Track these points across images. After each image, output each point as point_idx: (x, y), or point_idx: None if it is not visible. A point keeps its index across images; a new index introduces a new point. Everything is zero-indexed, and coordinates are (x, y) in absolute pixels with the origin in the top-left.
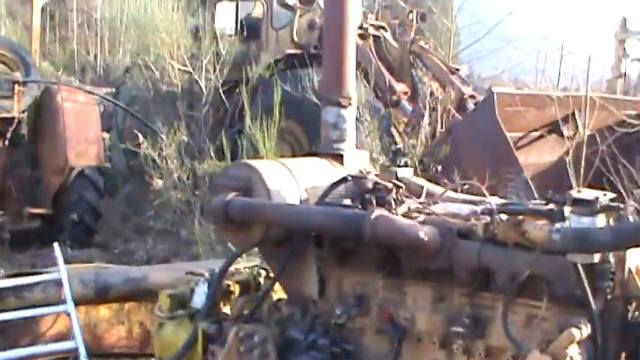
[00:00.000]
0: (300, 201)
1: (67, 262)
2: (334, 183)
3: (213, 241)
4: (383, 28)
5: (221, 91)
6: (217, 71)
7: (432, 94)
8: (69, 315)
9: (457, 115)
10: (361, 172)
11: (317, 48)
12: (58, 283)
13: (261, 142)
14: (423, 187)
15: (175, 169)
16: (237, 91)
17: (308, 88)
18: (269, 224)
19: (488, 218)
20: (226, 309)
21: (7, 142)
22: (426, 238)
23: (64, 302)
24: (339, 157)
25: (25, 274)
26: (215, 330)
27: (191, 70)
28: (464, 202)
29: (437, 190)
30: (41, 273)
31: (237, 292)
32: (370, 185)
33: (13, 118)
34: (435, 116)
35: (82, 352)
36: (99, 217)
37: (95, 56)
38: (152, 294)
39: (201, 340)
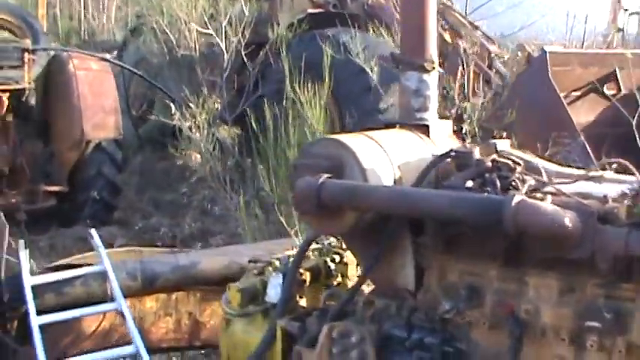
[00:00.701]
0: (394, 181)
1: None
2: (435, 160)
3: (258, 219)
4: None
5: (243, 54)
6: (240, 33)
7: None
8: (120, 314)
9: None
10: (465, 146)
11: (336, 6)
12: (101, 274)
13: (310, 110)
14: (532, 163)
15: (204, 140)
16: (257, 54)
17: (339, 50)
18: (370, 210)
19: (628, 200)
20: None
21: (16, 116)
22: (570, 225)
23: (109, 297)
24: (423, 128)
25: (64, 267)
26: (298, 328)
27: (212, 32)
28: (587, 179)
29: (545, 164)
30: (81, 265)
31: (307, 280)
32: (489, 163)
33: (24, 90)
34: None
35: (145, 357)
36: (118, 193)
37: (79, 20)
38: (202, 282)
39: (281, 339)
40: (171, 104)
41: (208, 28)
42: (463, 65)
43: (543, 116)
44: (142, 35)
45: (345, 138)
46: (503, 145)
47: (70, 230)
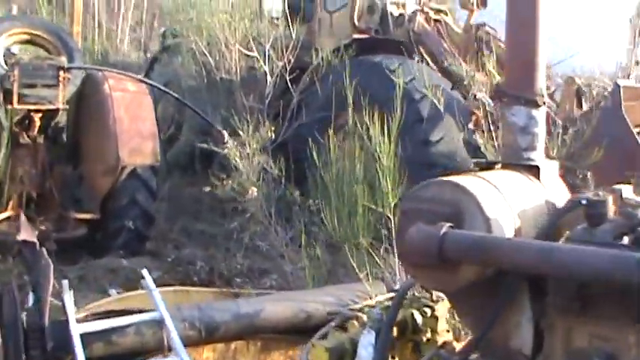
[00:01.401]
0: (515, 231)
1: (120, 277)
2: (564, 209)
3: (312, 258)
4: (443, 12)
5: (288, 79)
6: (286, 57)
7: None
8: None
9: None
10: (597, 194)
11: (378, 32)
12: (156, 322)
13: (380, 143)
14: None
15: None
16: (297, 80)
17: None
18: (505, 266)
19: None
20: None
21: (46, 138)
22: None
23: (165, 348)
24: (533, 170)
25: (116, 312)
26: None
27: (257, 54)
28: None
29: None
30: (134, 312)
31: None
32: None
33: (57, 111)
34: None
35: None
36: (152, 223)
37: (93, 40)
38: (265, 331)
39: None
40: (222, 134)
41: (252, 51)
42: None
43: (617, 152)
44: (172, 55)
45: (461, 181)
46: (628, 191)
47: (101, 261)
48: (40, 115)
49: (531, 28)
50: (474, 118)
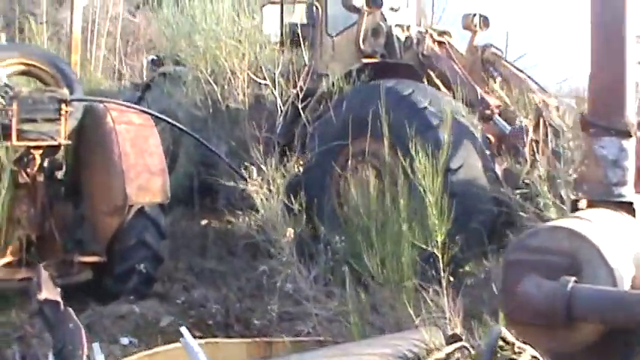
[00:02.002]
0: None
1: (132, 324)
2: None
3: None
4: (447, 33)
5: (300, 107)
6: (299, 83)
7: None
8: None
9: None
10: None
11: (384, 56)
12: None
13: (425, 179)
14: None
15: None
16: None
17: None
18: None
19: None
20: None
21: (46, 175)
22: None
23: None
24: (626, 207)
25: None
26: None
27: (268, 82)
28: None
29: None
30: None
31: None
32: None
33: (59, 147)
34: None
35: None
36: (161, 264)
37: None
38: None
39: None
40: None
41: (264, 79)
42: (538, 120)
43: None
44: (165, 84)
45: (574, 226)
46: None
47: (109, 307)
48: (40, 151)
49: (618, 52)
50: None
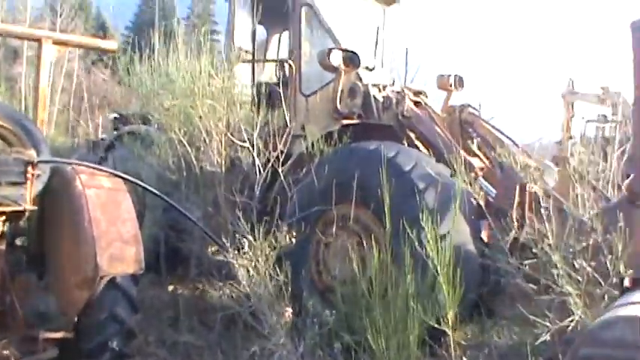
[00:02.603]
0: None
1: None
2: None
3: None
4: (422, 93)
5: (280, 170)
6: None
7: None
8: None
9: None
10: None
11: (361, 117)
12: None
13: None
14: None
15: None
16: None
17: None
18: None
19: None
20: None
21: (7, 242)
22: None
23: None
24: None
25: None
26: None
27: (249, 145)
28: None
29: None
30: None
31: None
32: None
33: (24, 212)
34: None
35: None
36: (133, 339)
37: None
38: None
39: None
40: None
41: (242, 140)
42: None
43: None
44: (130, 143)
45: None
46: None
47: None
48: (3, 217)
49: None
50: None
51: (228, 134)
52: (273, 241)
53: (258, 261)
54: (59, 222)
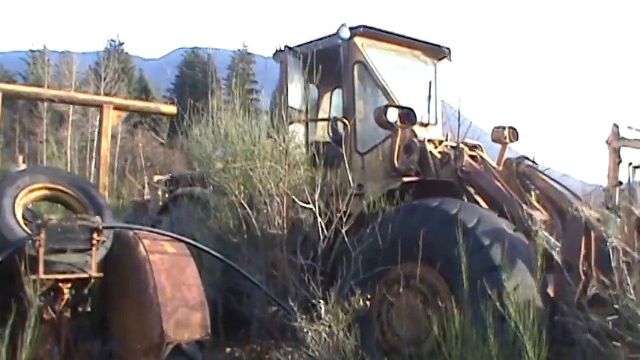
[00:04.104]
0: None
1: None
2: None
3: None
4: (478, 147)
5: (344, 230)
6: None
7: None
8: None
9: None
10: None
11: (419, 173)
12: None
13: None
14: None
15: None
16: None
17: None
18: None
19: None
20: None
21: (73, 310)
22: None
23: None
24: None
25: None
26: None
27: (312, 206)
28: None
29: None
30: None
31: None
32: None
33: (89, 280)
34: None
35: None
36: None
37: None
38: None
39: None
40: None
41: (305, 202)
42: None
43: None
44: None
45: None
46: None
47: None
48: (69, 285)
49: None
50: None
51: (291, 195)
52: (347, 305)
53: (330, 326)
54: (123, 288)
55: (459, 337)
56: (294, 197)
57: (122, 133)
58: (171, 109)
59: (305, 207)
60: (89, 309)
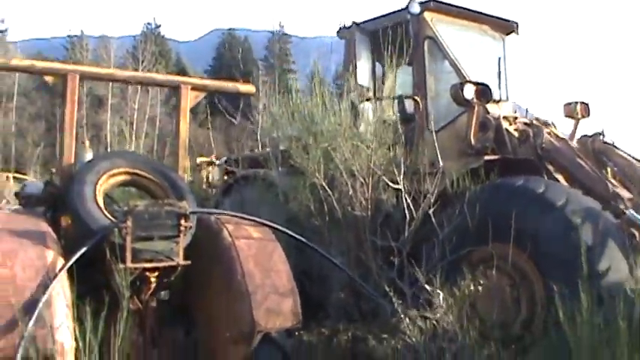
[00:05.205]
0: None
1: None
2: None
3: None
4: (551, 124)
5: (432, 211)
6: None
7: None
8: None
9: None
10: None
11: (494, 151)
12: None
13: None
14: None
15: None
16: None
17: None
18: None
19: None
20: None
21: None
22: None
23: None
24: None
25: None
26: None
27: (401, 186)
28: None
29: None
30: None
31: None
32: None
33: (176, 268)
34: None
35: None
36: None
37: None
38: None
39: None
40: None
41: (394, 182)
42: None
43: None
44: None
45: None
46: None
47: None
48: (155, 273)
49: None
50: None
51: (381, 175)
52: (457, 292)
53: (438, 312)
54: (207, 275)
55: (549, 321)
56: (383, 177)
57: (160, 116)
58: (250, 88)
59: (394, 187)
60: (168, 297)
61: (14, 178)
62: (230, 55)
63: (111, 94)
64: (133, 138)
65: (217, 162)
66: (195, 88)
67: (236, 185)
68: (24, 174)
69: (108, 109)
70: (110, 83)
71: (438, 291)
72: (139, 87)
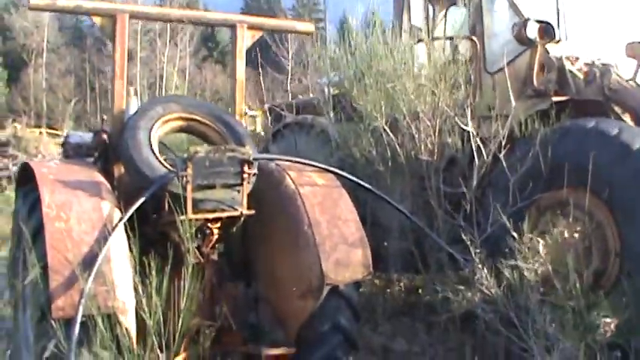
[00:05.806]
0: None
1: None
2: None
3: None
4: (613, 65)
5: (502, 155)
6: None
7: None
8: None
9: None
10: None
11: (557, 93)
12: None
13: None
14: None
15: None
16: None
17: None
18: None
19: None
20: None
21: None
22: None
23: None
24: None
25: None
26: None
27: (472, 130)
28: None
29: None
30: None
31: None
32: None
33: (239, 218)
34: None
35: None
36: (355, 351)
37: None
38: None
39: None
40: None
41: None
42: None
43: None
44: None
45: None
46: None
47: None
48: (218, 224)
49: None
50: None
51: (453, 117)
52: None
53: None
54: (269, 226)
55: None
56: (455, 118)
57: (190, 68)
58: (309, 26)
59: (464, 129)
60: (223, 249)
61: (47, 133)
62: (257, 5)
63: (140, 47)
64: (163, 91)
65: (249, 112)
66: (251, 27)
67: (286, 131)
68: (55, 129)
69: (137, 62)
70: (139, 36)
71: (539, 239)
72: (168, 40)
